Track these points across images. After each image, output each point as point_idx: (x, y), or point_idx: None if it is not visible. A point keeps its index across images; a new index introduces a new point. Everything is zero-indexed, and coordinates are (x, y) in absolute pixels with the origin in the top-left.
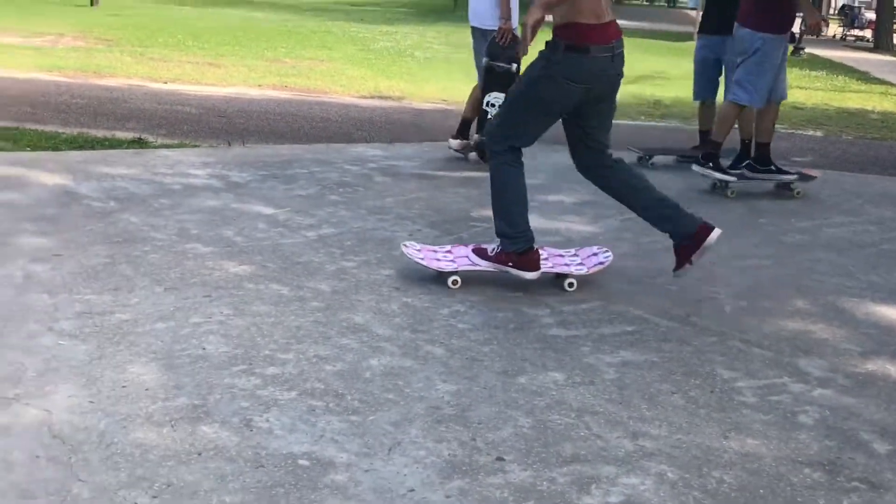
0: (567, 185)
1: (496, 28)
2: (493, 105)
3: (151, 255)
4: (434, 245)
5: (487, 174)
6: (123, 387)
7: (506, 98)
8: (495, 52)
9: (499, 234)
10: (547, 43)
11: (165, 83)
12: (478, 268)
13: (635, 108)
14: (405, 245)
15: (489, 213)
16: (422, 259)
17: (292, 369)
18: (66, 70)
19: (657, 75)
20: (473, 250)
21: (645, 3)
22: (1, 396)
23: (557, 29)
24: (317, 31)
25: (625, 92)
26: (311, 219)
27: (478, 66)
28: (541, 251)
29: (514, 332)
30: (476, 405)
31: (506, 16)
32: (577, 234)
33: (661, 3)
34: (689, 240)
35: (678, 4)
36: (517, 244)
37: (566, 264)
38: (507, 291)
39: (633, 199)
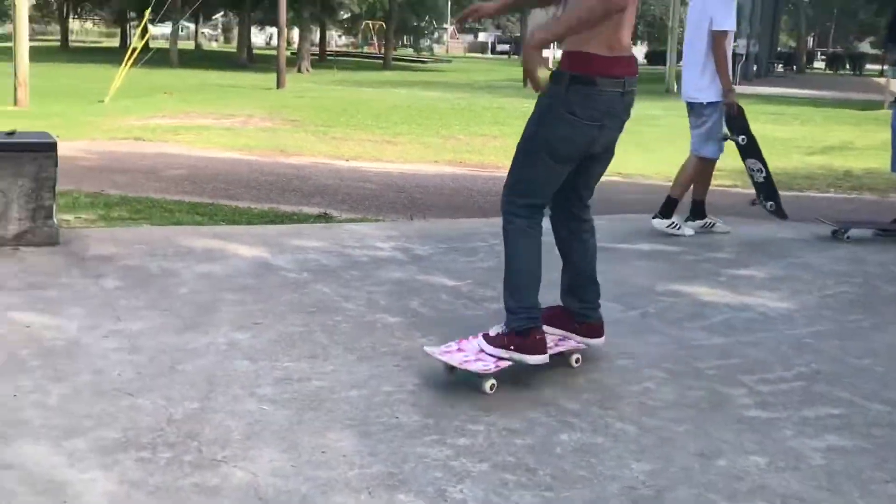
0: (757, 258)
1: (699, 101)
2: (756, 171)
3: (343, 325)
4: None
5: (672, 248)
6: (323, 452)
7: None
8: (729, 124)
9: (505, 309)
10: (552, 75)
11: (347, 161)
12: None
13: (824, 179)
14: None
15: (677, 286)
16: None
17: (483, 441)
18: (255, 149)
19: (846, 146)
20: (483, 336)
21: (829, 71)
22: (211, 458)
23: (563, 57)
24: (489, 107)
25: (812, 163)
26: (492, 291)
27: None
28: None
29: (709, 411)
30: (673, 487)
31: (727, 87)
32: (772, 310)
33: (846, 71)
34: (582, 324)
35: (864, 73)
36: (519, 321)
37: (572, 340)
38: (697, 364)
39: (577, 260)
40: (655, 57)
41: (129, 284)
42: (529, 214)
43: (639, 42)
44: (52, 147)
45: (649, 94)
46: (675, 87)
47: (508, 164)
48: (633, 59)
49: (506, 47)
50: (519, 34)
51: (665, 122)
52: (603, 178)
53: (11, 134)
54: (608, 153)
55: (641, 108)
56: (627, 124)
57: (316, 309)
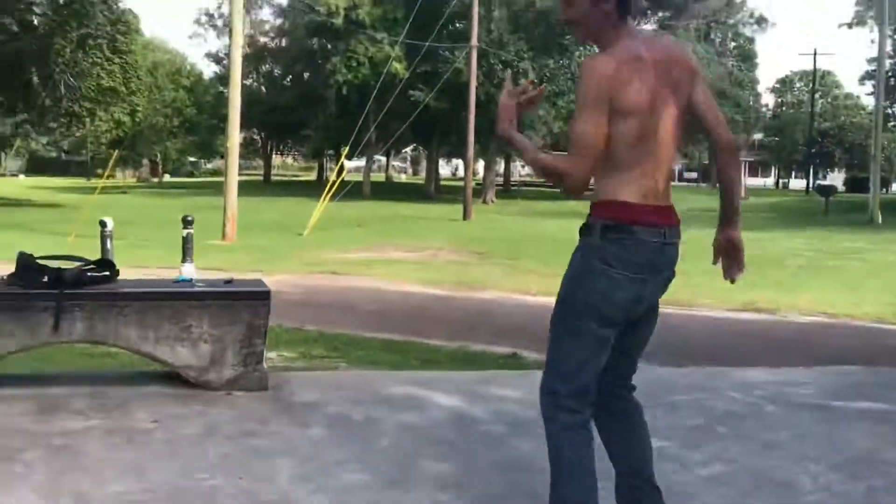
0: None
1: None
2: None
3: (540, 487)
4: None
5: None
6: None
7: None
8: None
9: None
10: (581, 229)
11: (534, 295)
12: None
13: None
14: None
15: None
16: None
17: None
18: (444, 283)
19: None
20: None
21: None
22: None
23: (594, 208)
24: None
25: None
26: (700, 454)
27: None
28: None
29: None
30: None
31: None
32: None
33: None
34: None
35: None
36: None
37: None
38: None
39: (633, 460)
40: (856, 184)
41: (334, 434)
42: (577, 407)
43: (836, 169)
44: (266, 296)
45: (851, 224)
46: (880, 217)
47: (702, 300)
48: (671, 208)
49: (693, 174)
50: (707, 162)
51: (871, 256)
52: (805, 319)
53: (229, 282)
54: (653, 315)
55: (843, 241)
56: (829, 258)
57: (517, 469)
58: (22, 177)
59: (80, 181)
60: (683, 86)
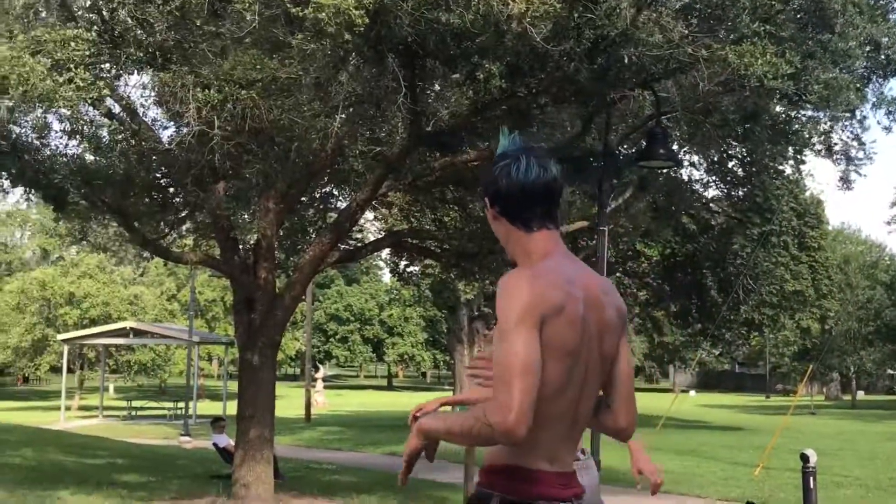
0: None
1: None
2: None
3: None
4: None
5: None
6: None
7: None
8: None
9: None
10: (471, 498)
11: None
12: None
13: None
14: None
15: None
16: None
17: None
18: None
19: None
20: None
21: None
22: None
23: (486, 474)
24: None
25: None
26: None
27: None
28: None
29: None
30: None
31: None
32: None
33: None
34: None
35: None
36: None
37: None
38: None
39: None
40: None
41: None
42: None
43: None
44: None
45: None
46: None
47: None
48: (575, 474)
49: None
50: None
51: None
52: None
53: None
54: None
55: None
56: None
57: None
58: (693, 393)
59: (757, 398)
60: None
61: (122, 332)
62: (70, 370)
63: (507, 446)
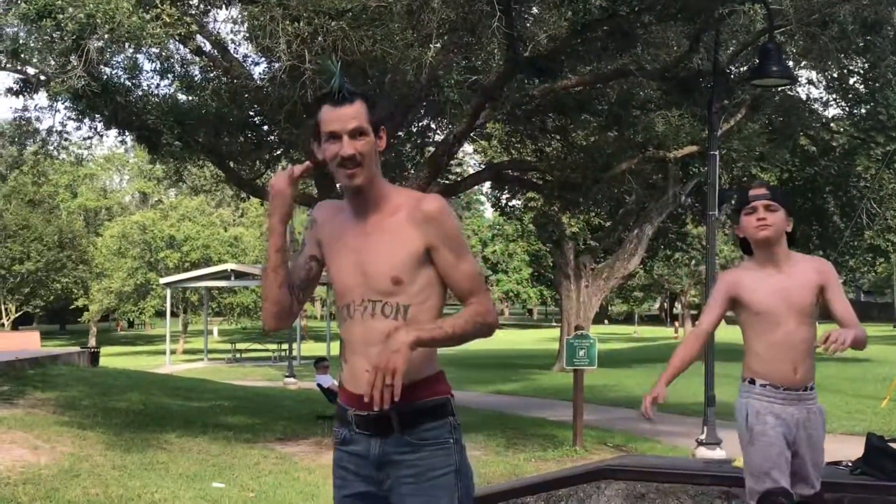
0: None
1: None
2: None
3: None
4: None
5: None
6: None
7: None
8: None
9: None
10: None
11: None
12: None
13: None
14: None
15: None
16: None
17: None
18: None
19: None
20: None
21: None
22: None
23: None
24: None
25: None
26: None
27: None
28: None
29: None
30: None
31: None
32: None
33: None
34: None
35: None
36: None
37: None
38: None
39: None
40: None
41: None
42: None
43: None
44: None
45: None
46: None
47: None
48: None
49: None
50: None
51: None
52: None
53: None
54: None
55: None
56: None
57: None
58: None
59: (884, 328)
60: None
61: (223, 275)
62: (174, 314)
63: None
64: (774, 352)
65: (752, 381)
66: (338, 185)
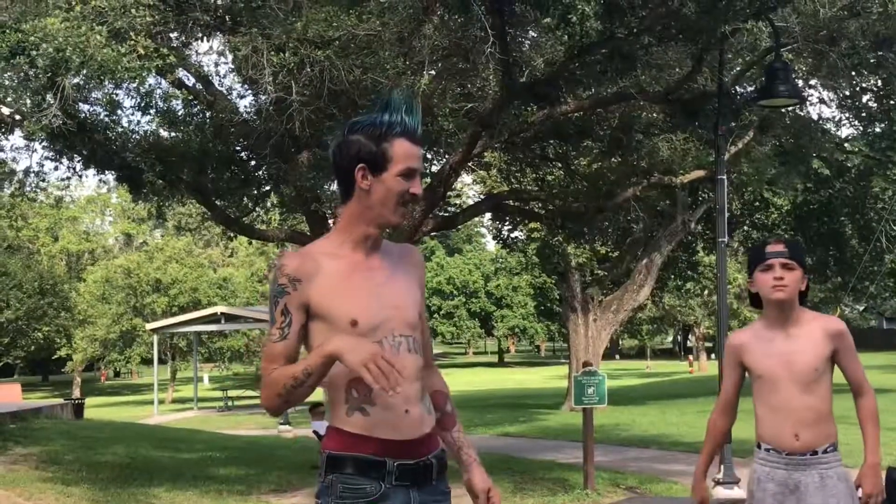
0: None
1: None
2: None
3: None
4: None
5: None
6: None
7: None
8: None
9: None
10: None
11: None
12: None
13: None
14: None
15: None
16: None
17: None
18: None
19: None
20: None
21: None
22: None
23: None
24: None
25: None
26: None
27: None
28: None
29: None
30: None
31: None
32: None
33: None
34: None
35: None
36: None
37: None
38: None
39: None
40: None
41: None
42: None
43: None
44: None
45: None
46: None
47: None
48: None
49: None
50: None
51: None
52: None
53: None
54: None
55: None
56: None
57: None
58: None
59: None
60: None
61: (213, 318)
62: (162, 361)
63: None
64: (774, 416)
65: (759, 445)
66: (366, 229)
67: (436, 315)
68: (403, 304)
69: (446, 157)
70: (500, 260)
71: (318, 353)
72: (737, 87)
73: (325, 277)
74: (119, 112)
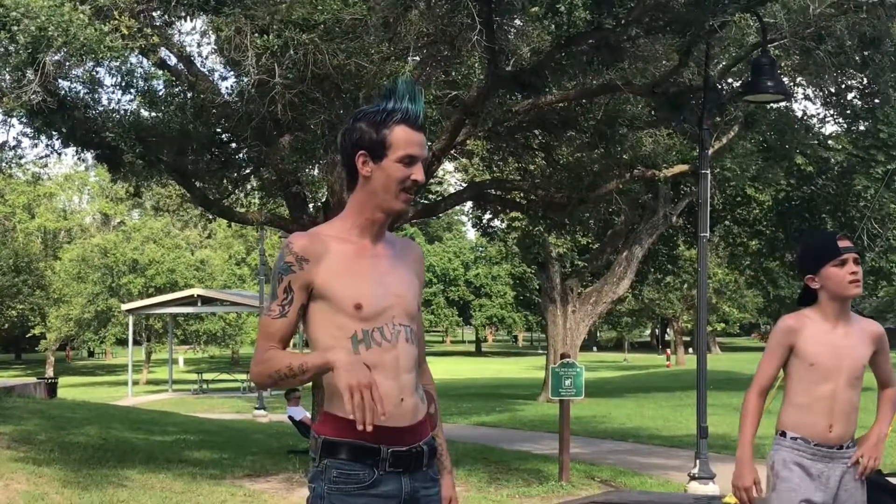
0: None
1: None
2: None
3: None
4: None
5: None
6: None
7: None
8: None
9: None
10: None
11: None
12: None
13: None
14: None
15: None
16: None
17: None
18: None
19: None
20: None
21: None
22: None
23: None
24: None
25: None
26: None
27: None
28: None
29: None
30: None
31: None
32: None
33: None
34: None
35: None
36: None
37: None
38: None
39: None
40: None
41: None
42: None
43: None
44: None
45: None
46: None
47: None
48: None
49: None
50: None
51: None
52: None
53: None
54: None
55: None
56: None
57: None
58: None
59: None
60: None
61: (189, 301)
62: (137, 342)
63: None
64: (816, 406)
65: (784, 434)
66: (372, 215)
67: None
68: (405, 294)
69: (429, 144)
70: (480, 249)
71: (320, 357)
72: (723, 82)
73: (332, 259)
74: (100, 90)
